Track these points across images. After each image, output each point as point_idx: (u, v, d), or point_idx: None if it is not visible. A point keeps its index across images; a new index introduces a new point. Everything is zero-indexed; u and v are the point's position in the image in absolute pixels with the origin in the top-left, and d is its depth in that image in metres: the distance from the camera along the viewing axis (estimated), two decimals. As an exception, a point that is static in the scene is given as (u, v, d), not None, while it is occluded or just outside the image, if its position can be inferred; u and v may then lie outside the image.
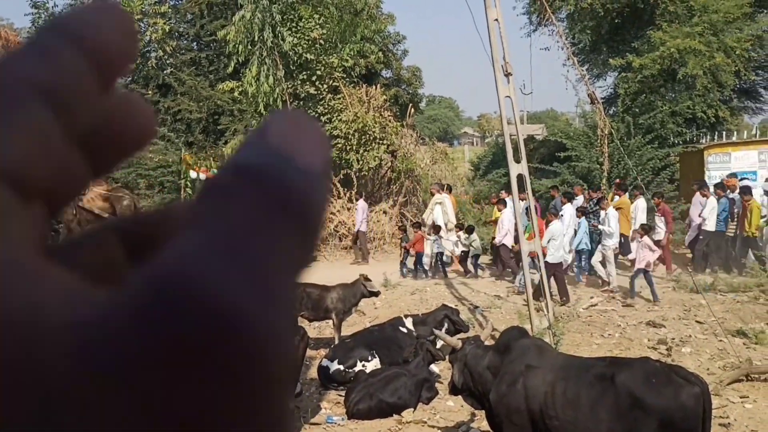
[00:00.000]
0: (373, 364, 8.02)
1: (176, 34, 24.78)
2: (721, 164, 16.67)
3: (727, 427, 6.41)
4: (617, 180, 15.01)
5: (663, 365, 4.76)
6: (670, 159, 18.42)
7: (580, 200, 14.37)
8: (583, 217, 12.73)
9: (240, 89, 20.15)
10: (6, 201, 0.20)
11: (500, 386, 4.89)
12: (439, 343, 7.97)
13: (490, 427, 5.21)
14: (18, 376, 0.17)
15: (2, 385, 0.17)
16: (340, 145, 19.68)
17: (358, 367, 7.97)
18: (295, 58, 19.49)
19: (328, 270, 15.58)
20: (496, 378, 4.98)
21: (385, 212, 18.80)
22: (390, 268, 14.35)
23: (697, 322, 10.36)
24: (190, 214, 0.21)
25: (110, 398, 0.17)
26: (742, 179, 14.83)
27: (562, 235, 12.00)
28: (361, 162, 19.66)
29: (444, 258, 14.72)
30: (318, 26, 19.33)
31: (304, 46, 19.27)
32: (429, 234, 14.60)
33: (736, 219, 13.60)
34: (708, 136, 19.37)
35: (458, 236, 14.47)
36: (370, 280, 10.26)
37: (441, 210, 15.15)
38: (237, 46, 19.02)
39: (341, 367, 7.98)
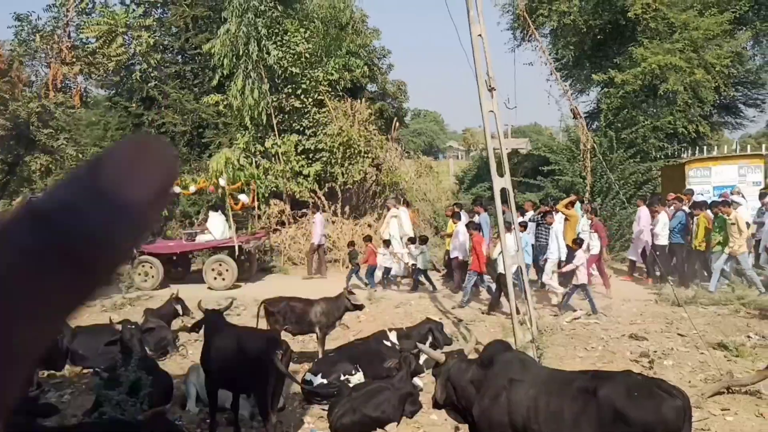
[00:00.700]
0: (357, 378, 7.98)
1: (161, 47, 24.75)
2: (702, 178, 16.88)
3: (708, 440, 6.45)
4: (575, 195, 15.11)
5: (645, 378, 4.78)
6: (652, 173, 18.60)
7: (529, 215, 14.57)
8: (524, 231, 12.80)
9: (225, 102, 20.14)
10: None
11: (483, 400, 4.89)
12: (423, 357, 7.96)
13: (473, 441, 5.20)
14: None
15: None
16: (324, 159, 19.72)
17: (342, 381, 7.94)
18: (281, 72, 19.53)
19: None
20: (479, 392, 4.98)
21: (369, 225, 18.81)
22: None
23: (678, 335, 10.43)
24: None
25: None
26: (723, 194, 15.06)
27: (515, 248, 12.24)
28: (345, 175, 19.69)
29: (393, 272, 14.92)
30: (304, 40, 19.38)
31: (290, 59, 19.31)
32: (380, 248, 14.98)
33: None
34: (689, 151, 19.62)
35: (408, 249, 14.65)
36: (353, 293, 10.24)
37: (397, 224, 15.24)
38: (222, 59, 19.02)
39: (325, 381, 7.95)
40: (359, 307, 10.06)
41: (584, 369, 6.64)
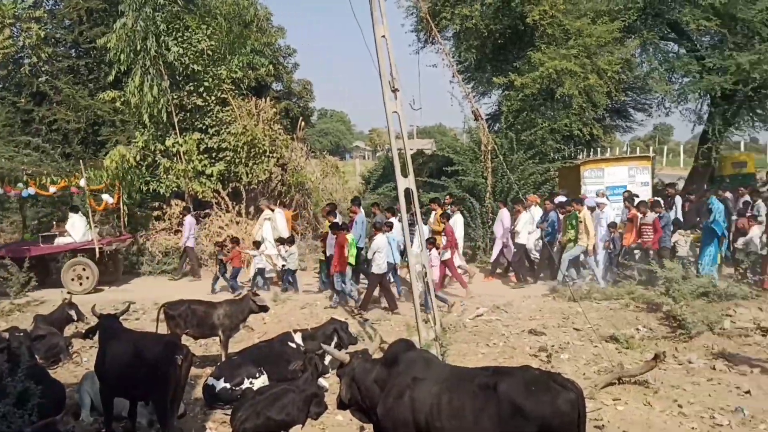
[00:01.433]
0: (261, 381, 7.87)
1: (53, 40, 23.47)
2: (595, 179, 17.69)
3: (601, 429, 6.74)
4: (436, 203, 15.48)
5: (542, 373, 4.94)
6: (550, 174, 19.25)
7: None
8: (389, 231, 13.03)
9: (122, 99, 19.30)
10: None
11: (387, 399, 4.91)
12: (328, 358, 7.93)
13: (378, 441, 5.21)
14: None
15: None
16: (228, 158, 19.31)
17: (246, 384, 7.80)
18: (182, 69, 18.95)
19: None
20: (383, 391, 5.00)
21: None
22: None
23: (574, 329, 10.88)
24: None
25: None
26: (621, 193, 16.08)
27: (388, 247, 12.62)
28: (250, 175, 19.37)
29: (266, 274, 14.96)
30: (206, 37, 18.89)
31: (191, 56, 18.77)
32: (251, 250, 15.05)
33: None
34: (584, 153, 20.46)
35: (278, 250, 14.69)
36: (258, 295, 10.10)
37: (270, 226, 15.24)
38: (119, 54, 18.23)
39: (228, 386, 7.79)
40: (264, 309, 9.92)
41: (486, 365, 6.82)
